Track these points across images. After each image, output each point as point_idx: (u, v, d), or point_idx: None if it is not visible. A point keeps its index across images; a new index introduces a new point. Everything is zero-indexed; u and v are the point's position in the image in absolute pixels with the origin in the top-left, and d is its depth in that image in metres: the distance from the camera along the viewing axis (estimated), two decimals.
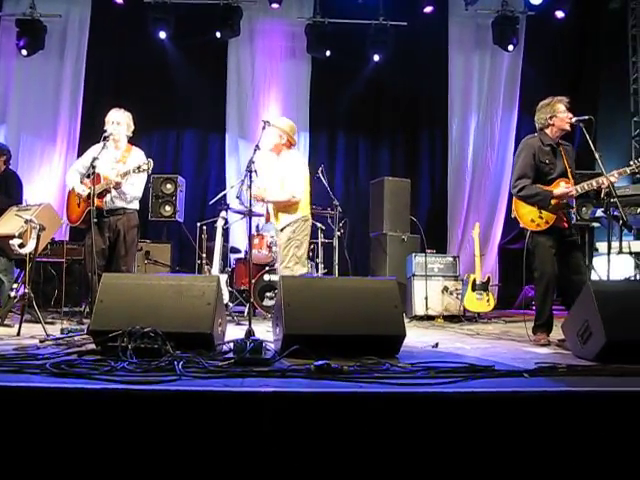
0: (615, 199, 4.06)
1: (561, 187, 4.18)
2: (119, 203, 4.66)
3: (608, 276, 4.40)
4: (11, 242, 4.44)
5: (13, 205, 5.34)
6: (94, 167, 4.17)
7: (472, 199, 8.48)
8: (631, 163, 4.12)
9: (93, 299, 3.57)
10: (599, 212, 6.60)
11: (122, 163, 4.68)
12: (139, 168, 4.43)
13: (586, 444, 2.18)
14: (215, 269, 5.78)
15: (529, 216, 4.24)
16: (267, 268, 6.25)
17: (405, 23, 8.10)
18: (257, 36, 8.41)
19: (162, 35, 7.95)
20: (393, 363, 2.82)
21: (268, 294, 6.22)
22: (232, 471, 2.07)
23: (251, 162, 4.12)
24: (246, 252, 6.63)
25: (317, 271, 6.38)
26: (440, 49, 8.48)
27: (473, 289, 6.23)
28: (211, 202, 6.38)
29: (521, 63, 8.49)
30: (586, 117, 4.22)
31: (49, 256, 6.23)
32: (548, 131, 4.32)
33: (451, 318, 6.29)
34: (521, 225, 4.33)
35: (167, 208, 7.25)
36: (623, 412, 2.23)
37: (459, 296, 6.42)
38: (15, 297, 4.38)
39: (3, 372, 2.44)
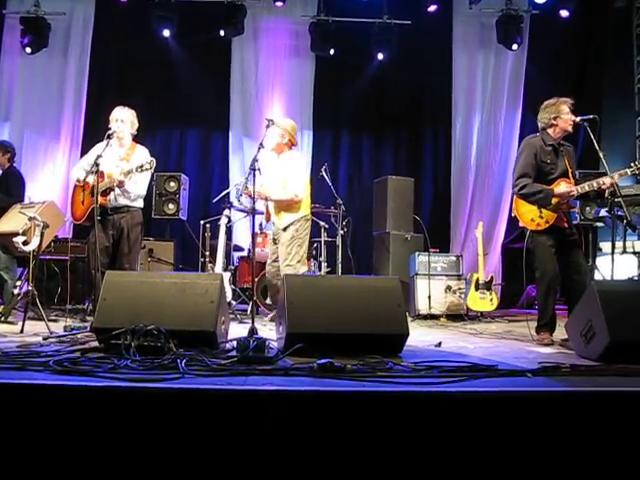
0: (619, 198, 4.05)
1: (562, 186, 4.16)
2: (123, 201, 4.67)
3: (612, 276, 4.40)
4: (15, 239, 4.43)
5: (14, 203, 5.37)
6: (98, 165, 4.17)
7: (475, 198, 8.46)
8: (632, 165, 4.10)
9: (96, 297, 3.56)
10: (603, 212, 6.60)
11: (126, 161, 4.67)
12: (142, 167, 4.43)
13: (590, 444, 2.17)
14: (218, 267, 5.78)
15: (529, 215, 4.22)
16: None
17: (409, 22, 8.08)
18: (261, 34, 8.39)
19: (166, 33, 7.94)
20: (396, 362, 2.81)
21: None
22: (235, 469, 2.07)
23: (255, 160, 4.11)
24: (249, 250, 6.64)
25: (320, 270, 6.38)
26: (444, 48, 8.46)
27: (476, 288, 6.24)
28: (214, 200, 6.38)
29: (525, 62, 8.46)
30: (590, 116, 4.20)
31: (53, 253, 6.25)
32: (550, 131, 4.30)
33: (454, 317, 6.28)
34: (521, 224, 4.32)
35: (170, 206, 7.24)
36: (627, 412, 2.22)
37: (462, 295, 6.41)
38: (19, 294, 4.39)
39: (6, 369, 2.45)
